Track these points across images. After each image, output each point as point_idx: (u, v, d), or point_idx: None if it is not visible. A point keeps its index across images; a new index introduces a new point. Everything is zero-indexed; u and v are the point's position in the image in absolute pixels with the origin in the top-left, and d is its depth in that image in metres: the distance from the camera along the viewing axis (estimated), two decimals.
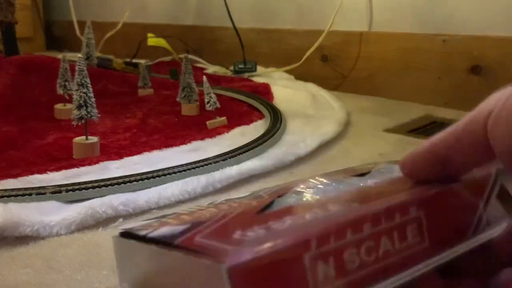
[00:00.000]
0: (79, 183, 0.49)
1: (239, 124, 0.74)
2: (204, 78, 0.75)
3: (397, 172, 0.29)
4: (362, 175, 0.29)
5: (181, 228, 0.22)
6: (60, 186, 0.48)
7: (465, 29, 0.95)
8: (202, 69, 1.26)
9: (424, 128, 0.83)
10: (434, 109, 0.95)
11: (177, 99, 0.83)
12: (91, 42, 1.10)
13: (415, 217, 0.22)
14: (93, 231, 0.45)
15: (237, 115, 0.80)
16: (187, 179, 0.53)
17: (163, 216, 0.26)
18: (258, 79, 1.12)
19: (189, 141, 0.66)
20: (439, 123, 0.86)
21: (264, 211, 0.23)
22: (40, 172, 0.53)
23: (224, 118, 0.75)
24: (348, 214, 0.21)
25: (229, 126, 0.73)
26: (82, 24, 1.26)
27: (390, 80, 1.07)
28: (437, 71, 0.99)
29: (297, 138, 0.68)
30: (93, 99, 0.60)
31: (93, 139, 0.62)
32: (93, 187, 0.49)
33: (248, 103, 0.89)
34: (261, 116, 0.80)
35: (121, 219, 0.47)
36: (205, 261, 0.18)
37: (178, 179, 0.53)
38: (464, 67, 0.95)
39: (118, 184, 0.50)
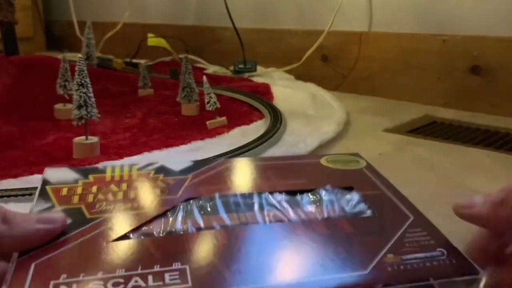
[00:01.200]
0: None
1: (239, 124, 0.74)
2: (204, 78, 0.75)
3: (340, 201, 0.30)
4: (303, 192, 0.30)
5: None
6: None
7: (465, 29, 0.95)
8: (202, 69, 1.26)
9: (424, 128, 0.83)
10: (433, 109, 0.95)
11: (177, 99, 0.83)
12: (91, 42, 1.10)
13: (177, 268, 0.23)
14: None
15: (237, 115, 0.80)
16: None
17: (91, 171, 0.29)
18: (258, 79, 1.12)
19: (189, 141, 0.66)
20: (439, 123, 0.86)
21: (139, 227, 0.26)
22: (40, 172, 0.53)
23: (224, 118, 0.75)
24: None
25: (229, 126, 0.73)
26: (82, 24, 1.26)
27: (390, 80, 1.07)
28: (437, 71, 0.99)
29: (297, 138, 0.68)
30: (93, 99, 0.60)
31: (93, 139, 0.62)
32: None
33: (248, 103, 0.89)
34: (261, 116, 0.80)
35: None
36: None
37: None
38: (464, 67, 0.95)
39: None
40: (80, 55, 0.62)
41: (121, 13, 1.45)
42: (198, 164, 0.32)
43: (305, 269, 0.24)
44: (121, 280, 0.22)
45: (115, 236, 0.25)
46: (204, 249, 0.25)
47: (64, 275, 0.21)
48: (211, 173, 0.31)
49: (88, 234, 0.25)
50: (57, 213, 0.27)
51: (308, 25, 1.20)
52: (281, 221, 0.28)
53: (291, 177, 0.33)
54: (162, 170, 0.31)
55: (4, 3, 1.11)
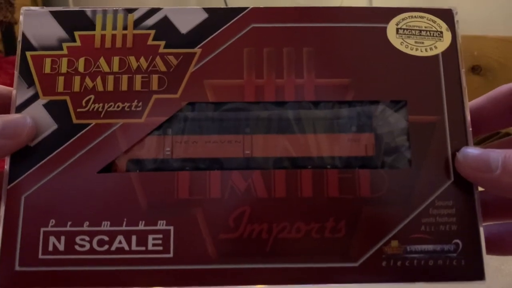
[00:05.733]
0: None
1: None
2: None
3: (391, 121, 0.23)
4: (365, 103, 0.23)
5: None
6: None
7: (465, 29, 0.95)
8: None
9: None
10: None
11: None
12: None
13: (162, 229, 0.21)
14: None
15: None
16: None
17: (77, 23, 0.25)
18: None
19: None
20: None
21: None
22: None
23: None
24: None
25: None
26: None
27: None
28: None
29: None
30: None
31: None
32: None
33: None
34: None
35: None
36: None
37: None
38: (464, 67, 0.95)
39: None
40: None
41: None
42: (212, 21, 0.23)
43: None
44: (106, 238, 0.21)
45: (101, 165, 0.22)
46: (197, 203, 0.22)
47: (53, 221, 0.21)
48: (227, 47, 0.23)
49: (73, 156, 0.22)
50: (22, 118, 0.22)
51: None
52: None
53: (330, 66, 0.23)
54: (164, 31, 0.24)
55: (4, 3, 1.11)
